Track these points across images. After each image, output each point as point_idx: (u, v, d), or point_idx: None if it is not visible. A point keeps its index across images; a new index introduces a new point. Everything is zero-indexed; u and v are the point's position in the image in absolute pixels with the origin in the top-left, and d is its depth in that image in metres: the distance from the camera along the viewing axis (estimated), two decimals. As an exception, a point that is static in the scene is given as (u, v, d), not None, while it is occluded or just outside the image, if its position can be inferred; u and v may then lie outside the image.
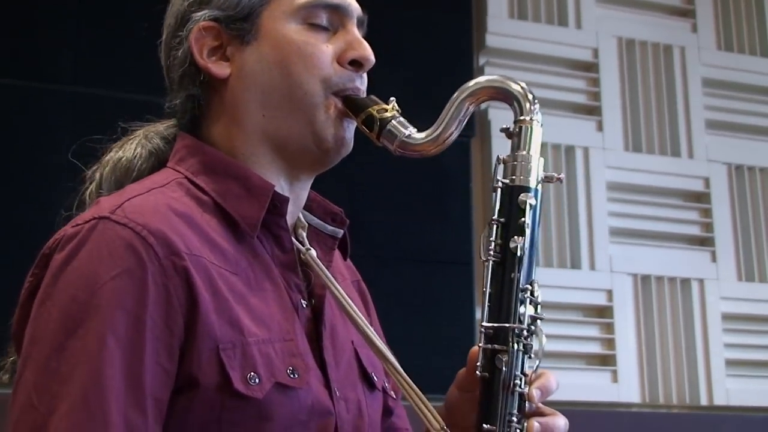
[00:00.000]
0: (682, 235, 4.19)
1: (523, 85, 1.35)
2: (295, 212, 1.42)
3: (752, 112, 4.40)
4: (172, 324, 1.20)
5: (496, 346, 1.28)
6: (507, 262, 1.30)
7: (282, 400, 1.24)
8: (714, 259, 4.17)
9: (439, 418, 1.35)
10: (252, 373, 1.22)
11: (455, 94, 1.37)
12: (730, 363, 4.08)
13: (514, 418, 1.27)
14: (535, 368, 1.30)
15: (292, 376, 1.26)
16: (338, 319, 1.42)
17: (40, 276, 1.25)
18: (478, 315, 3.77)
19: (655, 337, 4.01)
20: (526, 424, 1.28)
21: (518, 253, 1.30)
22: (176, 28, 1.42)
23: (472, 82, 1.38)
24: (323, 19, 1.40)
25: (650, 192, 4.16)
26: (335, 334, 1.40)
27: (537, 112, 1.33)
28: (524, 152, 1.32)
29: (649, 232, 4.12)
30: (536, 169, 1.32)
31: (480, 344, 1.29)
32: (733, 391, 4.04)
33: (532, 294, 1.30)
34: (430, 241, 3.66)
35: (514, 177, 1.32)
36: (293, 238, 1.40)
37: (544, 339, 1.28)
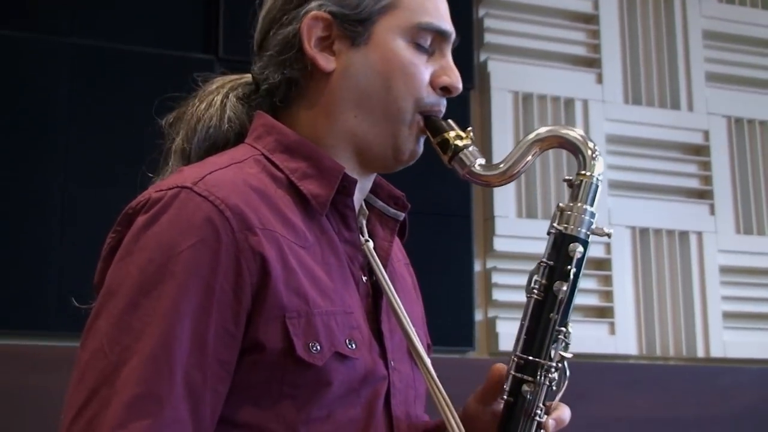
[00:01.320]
0: (681, 188, 4.20)
1: (592, 143, 1.44)
2: (359, 199, 1.51)
3: (753, 65, 4.40)
4: (241, 293, 1.28)
5: (525, 376, 1.39)
6: (548, 303, 1.40)
7: (340, 368, 1.33)
8: (712, 212, 4.18)
9: (462, 429, 1.45)
10: (314, 342, 1.31)
11: (530, 136, 1.46)
12: (727, 315, 4.10)
13: None
14: (555, 400, 1.42)
15: (350, 346, 1.35)
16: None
17: (122, 233, 1.34)
18: (477, 268, 3.79)
19: (652, 289, 4.03)
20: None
21: (560, 296, 1.39)
22: (289, 6, 1.48)
23: (544, 129, 1.47)
24: (428, 40, 1.48)
25: (649, 145, 4.16)
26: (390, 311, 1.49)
27: (599, 166, 1.44)
28: (580, 204, 1.42)
29: (647, 185, 4.12)
30: (588, 221, 1.42)
31: (511, 371, 1.40)
32: (729, 343, 4.07)
33: (565, 336, 1.40)
34: (430, 194, 3.66)
35: (567, 225, 1.41)
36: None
37: (567, 377, 1.40)
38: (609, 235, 1.43)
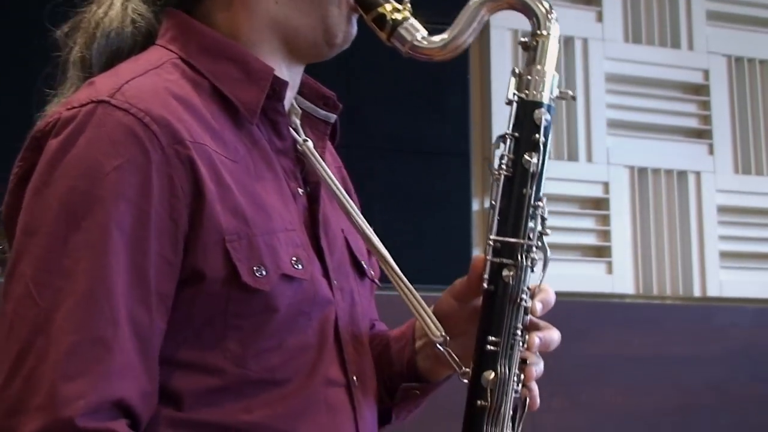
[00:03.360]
0: (680, 127, 4.18)
1: (547, 2, 1.33)
2: (290, 98, 1.39)
3: (754, 3, 4.35)
4: (177, 216, 1.17)
5: (504, 260, 1.28)
6: (518, 177, 1.29)
7: (287, 291, 1.23)
8: (711, 151, 4.17)
9: (440, 326, 1.36)
10: (259, 266, 1.20)
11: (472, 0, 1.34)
12: (725, 255, 4.10)
13: (518, 331, 1.29)
14: (539, 282, 1.31)
15: (296, 266, 1.25)
16: (328, 207, 1.40)
17: (31, 160, 1.20)
18: (475, 207, 3.79)
19: (650, 229, 4.03)
20: (527, 338, 1.30)
21: (531, 170, 1.28)
22: None
23: None
24: None
25: (649, 84, 4.13)
26: (328, 223, 1.38)
27: (555, 28, 1.32)
28: (540, 67, 1.31)
29: (646, 125, 4.10)
30: (550, 84, 1.31)
31: (488, 257, 1.29)
32: (726, 282, 4.08)
33: (541, 211, 1.29)
34: (428, 132, 3.65)
35: (527, 92, 1.30)
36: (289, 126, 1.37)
37: (549, 256, 1.30)
38: (573, 98, 1.34)
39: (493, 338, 1.28)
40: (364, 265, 1.44)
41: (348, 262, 1.40)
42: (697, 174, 4.12)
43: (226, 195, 1.20)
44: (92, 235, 1.13)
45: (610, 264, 3.94)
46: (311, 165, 1.37)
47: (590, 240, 3.97)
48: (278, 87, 1.31)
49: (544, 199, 1.30)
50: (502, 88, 1.35)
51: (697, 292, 4.02)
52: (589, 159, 3.97)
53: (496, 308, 1.29)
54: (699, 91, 4.21)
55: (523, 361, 1.30)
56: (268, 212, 1.25)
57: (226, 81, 1.29)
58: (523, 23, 1.34)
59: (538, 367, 1.33)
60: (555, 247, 3.85)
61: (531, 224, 1.28)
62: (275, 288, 1.21)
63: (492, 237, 1.29)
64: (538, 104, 1.30)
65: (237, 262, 1.18)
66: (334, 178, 1.37)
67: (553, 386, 2.57)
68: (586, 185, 3.97)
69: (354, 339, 1.36)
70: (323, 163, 1.37)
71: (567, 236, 3.88)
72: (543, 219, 1.30)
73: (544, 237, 1.30)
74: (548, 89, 1.31)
